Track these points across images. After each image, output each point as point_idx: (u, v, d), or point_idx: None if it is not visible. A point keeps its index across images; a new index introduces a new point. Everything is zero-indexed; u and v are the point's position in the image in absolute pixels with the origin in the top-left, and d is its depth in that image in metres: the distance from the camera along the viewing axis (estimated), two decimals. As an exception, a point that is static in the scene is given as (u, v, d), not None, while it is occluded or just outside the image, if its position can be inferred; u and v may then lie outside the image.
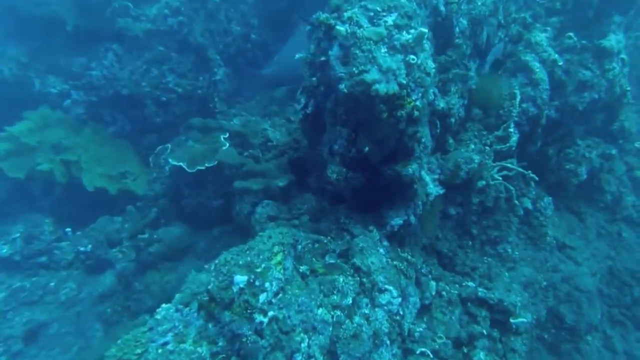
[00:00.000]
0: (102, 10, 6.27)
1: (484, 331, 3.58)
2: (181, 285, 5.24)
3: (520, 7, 4.55)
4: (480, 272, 3.98)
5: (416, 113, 3.36)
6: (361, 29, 3.37)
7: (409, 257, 3.75)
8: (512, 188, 4.15)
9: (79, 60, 6.49)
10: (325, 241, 3.62)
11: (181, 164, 5.25)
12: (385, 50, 3.40)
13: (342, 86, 3.33)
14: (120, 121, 6.66)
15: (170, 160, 5.35)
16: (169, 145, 6.28)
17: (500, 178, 4.13)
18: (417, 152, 3.53)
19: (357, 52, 3.35)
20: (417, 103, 3.37)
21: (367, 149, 3.51)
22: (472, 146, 4.01)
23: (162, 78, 6.39)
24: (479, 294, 3.72)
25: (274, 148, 5.31)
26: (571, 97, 4.27)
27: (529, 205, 4.32)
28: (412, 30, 3.52)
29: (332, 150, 3.93)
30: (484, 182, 4.11)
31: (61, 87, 6.31)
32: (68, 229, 5.90)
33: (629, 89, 4.39)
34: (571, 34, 4.29)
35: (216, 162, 5.25)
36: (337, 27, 3.34)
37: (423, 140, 3.51)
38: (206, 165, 5.26)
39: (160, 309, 3.06)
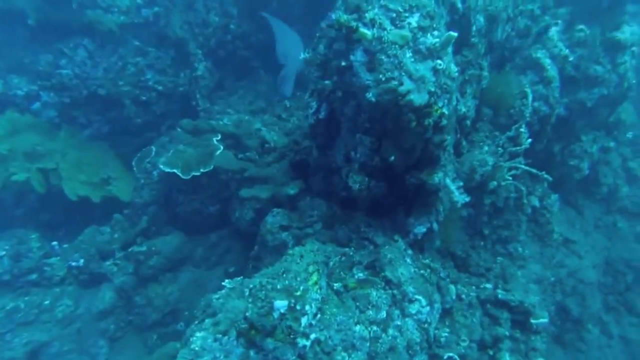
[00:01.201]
0: (68, 2, 5.69)
1: (507, 332, 3.64)
2: (183, 296, 5.03)
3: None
4: (495, 272, 4.03)
5: (444, 121, 3.26)
6: (386, 33, 3.19)
7: (431, 263, 3.71)
8: (522, 188, 4.19)
9: (45, 57, 5.89)
10: (351, 253, 3.50)
11: (175, 170, 4.92)
12: (411, 54, 3.26)
13: (369, 95, 3.17)
14: (97, 123, 6.16)
15: (162, 167, 5.00)
16: (153, 148, 5.92)
17: (511, 178, 4.15)
18: (443, 161, 3.44)
19: (383, 57, 3.18)
20: (444, 110, 3.27)
21: (392, 158, 3.38)
22: (486, 148, 3.99)
23: (141, 75, 5.94)
24: (499, 296, 3.76)
25: (272, 150, 5.08)
26: (580, 93, 4.30)
27: (537, 203, 4.38)
28: (436, 32, 3.39)
29: (349, 157, 3.78)
30: (495, 183, 4.12)
31: (28, 88, 5.72)
32: (54, 243, 5.48)
33: (634, 81, 4.45)
34: (583, 26, 4.26)
35: (212, 167, 4.96)
36: (362, 30, 3.15)
37: (448, 148, 3.42)
38: (202, 170, 4.96)
39: (194, 338, 2.85)
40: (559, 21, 4.36)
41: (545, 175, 4.01)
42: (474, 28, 3.82)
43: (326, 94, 3.72)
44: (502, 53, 4.43)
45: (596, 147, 4.82)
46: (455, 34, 3.19)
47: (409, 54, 3.25)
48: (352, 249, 3.63)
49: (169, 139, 6.13)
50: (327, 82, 3.73)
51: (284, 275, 2.92)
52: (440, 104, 3.26)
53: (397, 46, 3.21)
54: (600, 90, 4.35)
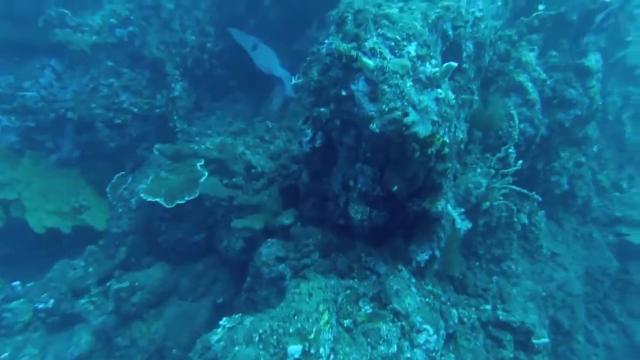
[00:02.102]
0: (33, 20, 5.35)
1: (511, 354, 3.69)
2: (170, 333, 4.77)
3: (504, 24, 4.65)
4: (493, 292, 4.09)
5: (446, 150, 3.27)
6: (387, 62, 3.18)
7: (434, 289, 3.71)
8: (513, 207, 4.29)
9: (5, 79, 5.49)
10: (356, 286, 3.44)
11: (158, 199, 4.69)
12: (411, 83, 3.26)
13: (373, 126, 3.13)
14: (65, 147, 5.80)
15: (143, 196, 4.75)
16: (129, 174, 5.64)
17: (502, 198, 4.25)
18: (445, 189, 3.46)
19: (386, 87, 3.16)
20: (445, 139, 3.28)
21: (396, 188, 3.36)
22: (479, 170, 4.05)
23: (115, 97, 5.65)
24: (500, 317, 3.81)
25: (260, 175, 4.95)
26: (559, 114, 4.49)
27: (525, 221, 4.50)
28: (434, 61, 3.41)
29: (348, 185, 3.72)
30: (488, 204, 4.19)
31: (-15, 112, 5.31)
32: (16, 283, 5.03)
33: (600, 102, 4.72)
34: (554, 52, 4.49)
35: (197, 194, 4.77)
36: (364, 59, 3.11)
37: (450, 175, 3.44)
38: (186, 198, 4.76)
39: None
40: (535, 47, 4.54)
41: (536, 196, 4.13)
42: (464, 54, 3.89)
43: (323, 121, 3.65)
44: (486, 75, 4.54)
45: (572, 162, 5.02)
46: (455, 64, 3.22)
47: (409, 83, 3.24)
48: (356, 280, 3.56)
49: (146, 163, 5.87)
50: (322, 109, 3.66)
51: (295, 317, 2.81)
52: (441, 133, 3.27)
53: (398, 75, 3.20)
54: (575, 111, 4.55)
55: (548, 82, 4.45)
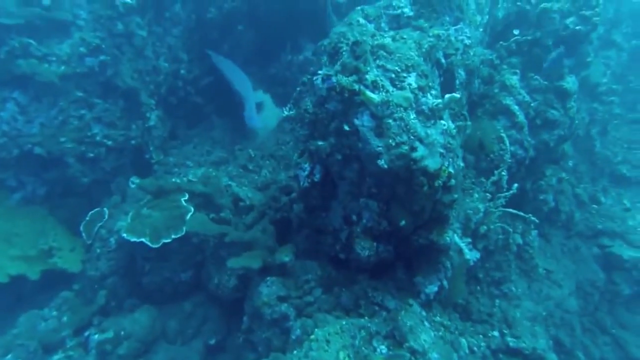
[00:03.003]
0: (-7, 51, 4.96)
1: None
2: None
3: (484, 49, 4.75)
4: (498, 317, 4.08)
5: (453, 181, 3.24)
6: (390, 95, 3.12)
7: (444, 321, 3.65)
8: (509, 229, 4.33)
9: (-38, 114, 5.04)
10: (368, 324, 3.31)
11: (143, 239, 4.40)
12: (414, 116, 3.21)
13: (381, 162, 3.05)
14: (30, 185, 5.38)
15: (125, 236, 4.45)
16: (105, 210, 5.29)
17: (497, 221, 4.27)
18: (451, 220, 3.42)
19: (391, 121, 3.10)
20: (450, 169, 3.25)
21: (403, 222, 3.28)
22: (476, 195, 4.06)
23: (87, 130, 5.31)
24: (511, 344, 3.79)
25: (249, 209, 4.76)
26: (544, 134, 4.60)
27: (520, 241, 4.55)
28: (433, 92, 3.39)
29: (350, 220, 3.62)
30: (485, 227, 4.20)
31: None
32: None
33: (577, 122, 4.89)
34: (537, 76, 4.62)
35: (184, 232, 4.52)
36: (368, 94, 3.04)
37: (456, 206, 3.41)
38: (173, 237, 4.50)
39: None
40: (517, 70, 4.66)
41: (532, 218, 4.18)
42: (457, 82, 3.91)
43: (322, 156, 3.54)
44: (472, 99, 4.59)
45: (554, 179, 5.15)
46: (458, 95, 3.21)
47: (412, 116, 3.20)
48: (366, 318, 3.44)
49: (121, 198, 5.54)
50: (321, 143, 3.55)
51: (316, 369, 2.66)
52: (446, 164, 3.24)
53: (402, 108, 3.15)
54: (559, 131, 4.69)
55: (532, 105, 4.56)
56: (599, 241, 5.53)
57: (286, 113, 3.98)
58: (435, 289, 3.56)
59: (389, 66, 3.30)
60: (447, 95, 3.21)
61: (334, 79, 3.18)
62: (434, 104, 3.23)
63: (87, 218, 5.26)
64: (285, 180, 5.03)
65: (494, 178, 4.16)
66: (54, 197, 5.50)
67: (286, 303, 3.78)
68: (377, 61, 3.33)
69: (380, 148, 3.06)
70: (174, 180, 5.02)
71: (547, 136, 4.59)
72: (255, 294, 3.96)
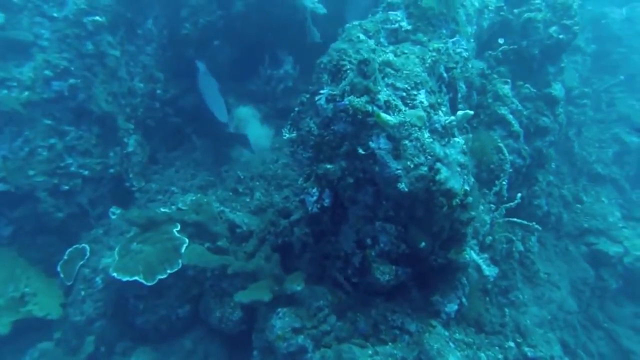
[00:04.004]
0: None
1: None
2: None
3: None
4: (510, 327, 4.07)
5: (469, 199, 3.18)
6: (406, 116, 3.03)
7: (464, 338, 3.59)
8: (513, 237, 4.35)
9: None
10: (394, 351, 3.19)
11: (136, 277, 4.08)
12: (429, 135, 3.14)
13: (401, 185, 2.95)
14: (-5, 225, 4.90)
15: (115, 275, 4.11)
16: (86, 246, 4.89)
17: (501, 230, 4.29)
18: (469, 237, 3.36)
19: (407, 142, 3.01)
20: (466, 187, 3.20)
21: (423, 244, 3.19)
22: (481, 207, 4.05)
23: (59, 160, 4.90)
24: (529, 354, 3.79)
25: (248, 236, 4.54)
26: (537, 142, 4.68)
27: (521, 247, 4.59)
28: (444, 109, 3.33)
29: (364, 244, 3.49)
30: (490, 238, 4.20)
31: None
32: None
33: (564, 127, 5.03)
34: (527, 84, 4.70)
35: (180, 265, 4.24)
36: (384, 116, 2.93)
37: (473, 223, 3.36)
38: (169, 272, 4.20)
39: None
40: (508, 80, 4.72)
41: (536, 226, 4.22)
42: (459, 95, 3.88)
43: (331, 180, 3.39)
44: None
45: (544, 183, 5.27)
46: (472, 112, 3.17)
47: (427, 135, 3.13)
48: (391, 344, 3.31)
49: (102, 231, 5.15)
50: (329, 166, 3.40)
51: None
52: (461, 182, 3.18)
53: (416, 128, 3.06)
54: (550, 138, 4.79)
55: (524, 113, 4.62)
56: (586, 239, 5.70)
57: (287, 135, 3.81)
58: (456, 307, 3.49)
59: (398, 84, 3.21)
60: (460, 112, 3.16)
61: (346, 101, 3.05)
62: (447, 121, 3.17)
63: (65, 257, 4.86)
64: (282, 203, 4.83)
65: (495, 189, 4.16)
66: (22, 236, 5.04)
67: (302, 334, 3.60)
68: (386, 79, 3.24)
69: (399, 171, 2.95)
70: (162, 210, 4.70)
71: (540, 143, 4.68)
72: (266, 327, 3.74)
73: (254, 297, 3.70)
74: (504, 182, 4.21)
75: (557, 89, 4.75)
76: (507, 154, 4.24)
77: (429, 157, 3.03)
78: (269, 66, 6.59)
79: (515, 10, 4.89)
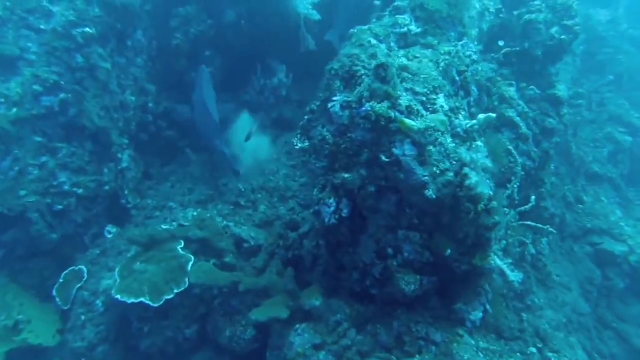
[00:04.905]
0: None
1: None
2: None
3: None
4: (530, 332, 4.00)
5: (494, 203, 3.10)
6: (429, 121, 2.94)
7: (489, 346, 3.48)
8: (527, 241, 4.30)
9: None
10: (424, 367, 3.07)
11: (142, 299, 3.86)
12: (451, 139, 3.05)
13: (429, 192, 2.85)
14: (-19, 251, 4.60)
15: (119, 297, 3.88)
16: (83, 268, 4.65)
17: (515, 234, 4.23)
18: (493, 243, 3.28)
19: (432, 148, 2.91)
20: (490, 191, 3.12)
21: (449, 252, 3.09)
22: (497, 211, 3.98)
23: (52, 179, 4.64)
24: (553, 360, 3.72)
25: (256, 250, 4.36)
26: (544, 143, 4.66)
27: (533, 251, 4.55)
28: (463, 112, 3.26)
29: (385, 254, 3.37)
30: (505, 243, 4.14)
31: None
32: None
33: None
34: (533, 86, 4.68)
35: (188, 284, 4.04)
36: (408, 122, 2.83)
37: (498, 229, 3.28)
38: (175, 291, 4.00)
39: None
40: (513, 82, 4.70)
41: (551, 229, 4.17)
42: (472, 98, 3.82)
43: (350, 189, 3.27)
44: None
45: (549, 184, 5.25)
46: (494, 115, 3.10)
47: (449, 139, 3.04)
48: (418, 357, 3.19)
49: (100, 251, 4.90)
50: (347, 175, 3.28)
51: None
52: (488, 187, 3.10)
53: (439, 133, 2.98)
54: (556, 139, 4.78)
55: (530, 115, 4.60)
56: (590, 239, 5.70)
57: (299, 145, 3.67)
58: (481, 315, 3.40)
59: (417, 89, 3.12)
60: (481, 116, 3.09)
61: (367, 107, 2.94)
62: (469, 125, 3.09)
63: (61, 280, 4.60)
64: (288, 215, 4.68)
65: (508, 192, 4.10)
66: (13, 261, 4.75)
67: (323, 351, 3.45)
68: (404, 84, 3.15)
69: (426, 178, 2.86)
70: (164, 227, 4.49)
71: (547, 144, 4.65)
72: (284, 345, 3.58)
73: (270, 314, 3.53)
74: (515, 185, 4.15)
75: (561, 90, 4.75)
76: (517, 157, 4.18)
77: (454, 162, 2.95)
78: (262, 76, 6.46)
79: (515, 12, 4.88)
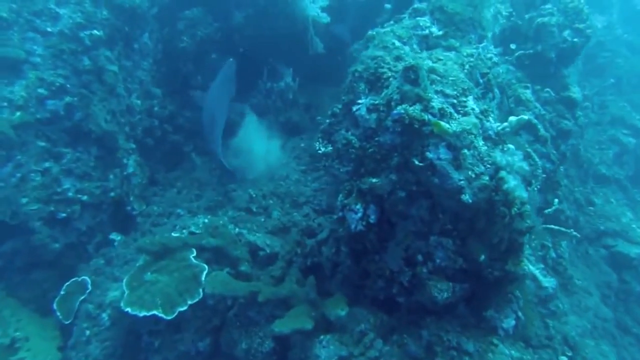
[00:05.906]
0: None
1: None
2: None
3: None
4: (558, 340, 3.91)
5: (527, 207, 3.01)
6: (462, 123, 2.85)
7: (522, 356, 3.38)
8: (549, 244, 4.23)
9: None
10: (460, 378, 2.95)
11: (154, 312, 3.68)
12: (483, 142, 2.97)
13: (465, 197, 2.75)
14: (-23, 263, 4.38)
15: (129, 310, 3.70)
16: (86, 279, 4.45)
17: (534, 237, 4.16)
18: (525, 247, 3.19)
19: (466, 151, 2.82)
20: (523, 194, 3.04)
21: (483, 257, 2.99)
22: (520, 215, 3.90)
23: (56, 185, 4.45)
24: (587, 371, 3.63)
25: (272, 258, 4.22)
26: (561, 146, 4.62)
27: (553, 254, 4.48)
28: (493, 114, 3.18)
29: (414, 261, 3.26)
30: (527, 247, 4.06)
31: None
32: None
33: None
34: (547, 88, 4.65)
35: (202, 295, 3.88)
36: (443, 125, 2.74)
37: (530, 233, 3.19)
38: (189, 303, 3.83)
39: None
40: (528, 84, 4.66)
41: (574, 233, 4.11)
42: (495, 102, 3.76)
43: (378, 194, 3.16)
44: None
45: (563, 186, 5.22)
46: (527, 117, 3.03)
47: (481, 142, 2.96)
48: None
49: (104, 261, 4.70)
50: (374, 180, 3.17)
51: None
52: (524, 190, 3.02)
53: (473, 136, 2.89)
54: (572, 140, 4.75)
55: (547, 117, 4.56)
56: (603, 242, 5.66)
57: (322, 150, 3.55)
58: (513, 322, 3.31)
59: (447, 91, 3.03)
60: (513, 118, 3.02)
61: (400, 109, 2.83)
62: (500, 127, 3.01)
63: (62, 292, 4.37)
64: (304, 221, 4.55)
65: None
66: (12, 273, 4.53)
67: (353, 364, 3.31)
68: (433, 86, 3.06)
69: (462, 182, 2.76)
70: (175, 234, 4.32)
71: (564, 147, 4.61)
72: (308, 358, 3.43)
73: (294, 325, 3.38)
74: (536, 188, 4.09)
75: (575, 92, 4.73)
76: (537, 159, 4.12)
77: (488, 165, 2.86)
78: (268, 79, 6.35)
79: (527, 16, 4.86)
